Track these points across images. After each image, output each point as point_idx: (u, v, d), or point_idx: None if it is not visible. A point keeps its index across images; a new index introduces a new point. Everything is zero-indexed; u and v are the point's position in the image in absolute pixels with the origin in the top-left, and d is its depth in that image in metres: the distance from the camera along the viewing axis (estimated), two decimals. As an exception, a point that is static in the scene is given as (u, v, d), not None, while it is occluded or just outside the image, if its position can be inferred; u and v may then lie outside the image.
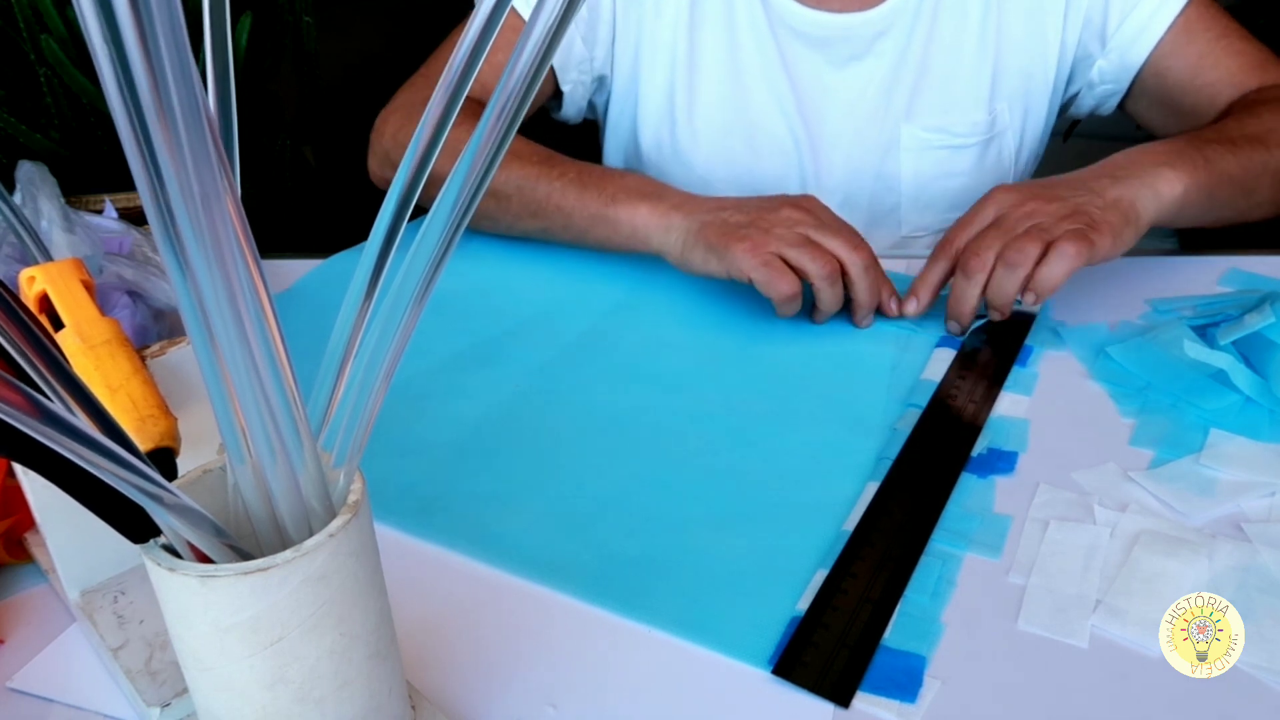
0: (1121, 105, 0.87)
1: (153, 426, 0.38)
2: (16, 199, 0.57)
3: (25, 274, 0.44)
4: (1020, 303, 0.63)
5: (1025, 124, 0.87)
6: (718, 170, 0.88)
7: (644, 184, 0.73)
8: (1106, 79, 0.85)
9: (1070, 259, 0.60)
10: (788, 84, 0.85)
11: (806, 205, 0.68)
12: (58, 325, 0.42)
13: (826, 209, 0.69)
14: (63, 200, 0.59)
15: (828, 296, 0.65)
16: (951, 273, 0.66)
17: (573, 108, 0.91)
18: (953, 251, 0.66)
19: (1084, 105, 0.88)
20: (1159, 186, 0.65)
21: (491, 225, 0.79)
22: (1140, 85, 0.83)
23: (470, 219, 0.72)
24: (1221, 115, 0.77)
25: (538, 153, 0.77)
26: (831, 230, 0.66)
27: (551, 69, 0.86)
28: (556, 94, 0.89)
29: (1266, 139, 0.71)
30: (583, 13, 0.84)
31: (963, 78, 0.85)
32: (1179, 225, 0.70)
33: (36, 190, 0.58)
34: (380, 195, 0.29)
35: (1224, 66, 0.79)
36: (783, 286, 0.64)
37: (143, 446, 0.38)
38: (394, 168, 0.79)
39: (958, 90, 0.85)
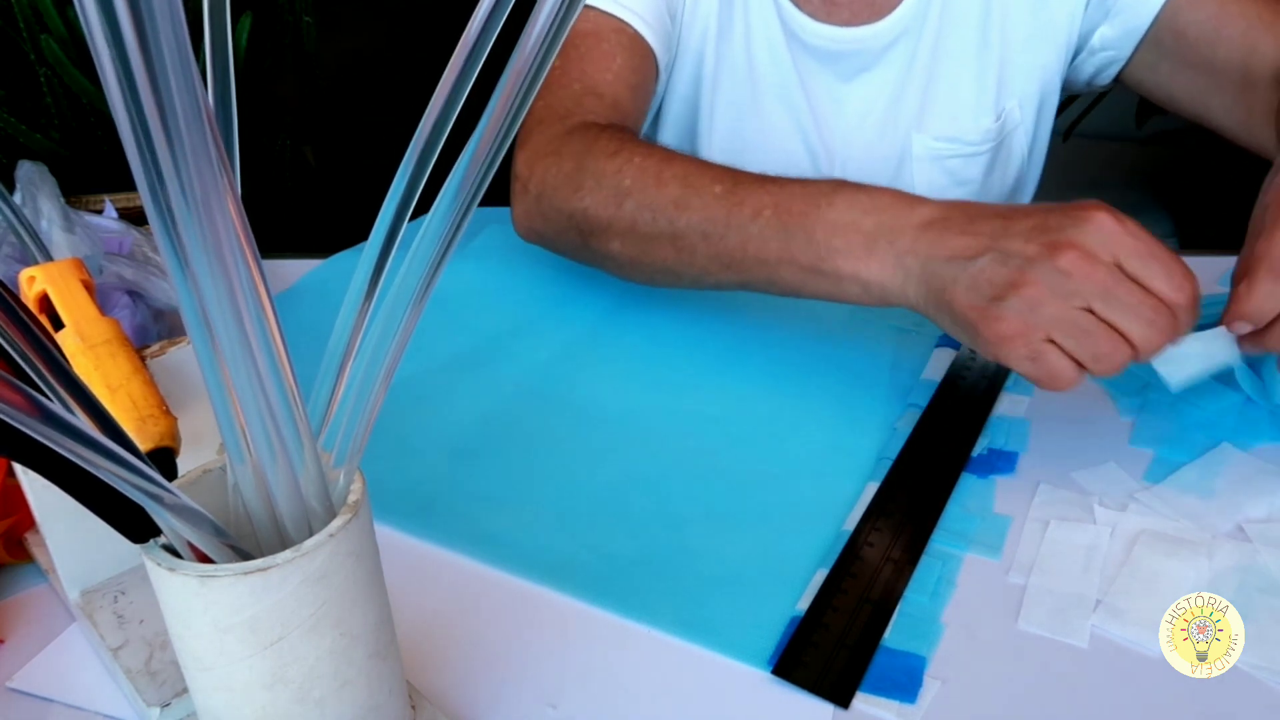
0: (1128, 78, 0.83)
1: (153, 426, 0.38)
2: (16, 199, 0.58)
3: (25, 274, 0.44)
4: None
5: (1039, 117, 0.86)
6: None
7: (859, 214, 0.54)
8: (1108, 45, 0.82)
9: None
10: (804, 100, 0.85)
11: (1094, 247, 0.47)
12: (58, 325, 0.42)
13: (1127, 237, 0.47)
14: (63, 200, 0.59)
15: (1108, 376, 0.49)
16: None
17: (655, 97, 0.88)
18: None
19: (1082, 74, 0.85)
20: None
21: (673, 279, 0.64)
22: (1158, 48, 0.79)
23: (636, 269, 0.65)
24: None
25: (719, 179, 0.60)
26: (1126, 295, 0.46)
27: (657, 69, 0.81)
28: None
29: None
30: (664, 9, 0.80)
31: (970, 84, 0.84)
32: None
33: (36, 190, 0.58)
34: (379, 195, 0.29)
35: (1252, 15, 0.74)
36: (1061, 385, 0.48)
37: (143, 446, 0.38)
38: (543, 217, 0.69)
39: (966, 97, 0.84)
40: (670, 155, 0.64)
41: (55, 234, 0.56)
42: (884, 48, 0.83)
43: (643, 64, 0.79)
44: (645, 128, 0.90)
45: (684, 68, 0.86)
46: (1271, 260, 0.48)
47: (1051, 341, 0.47)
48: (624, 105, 0.76)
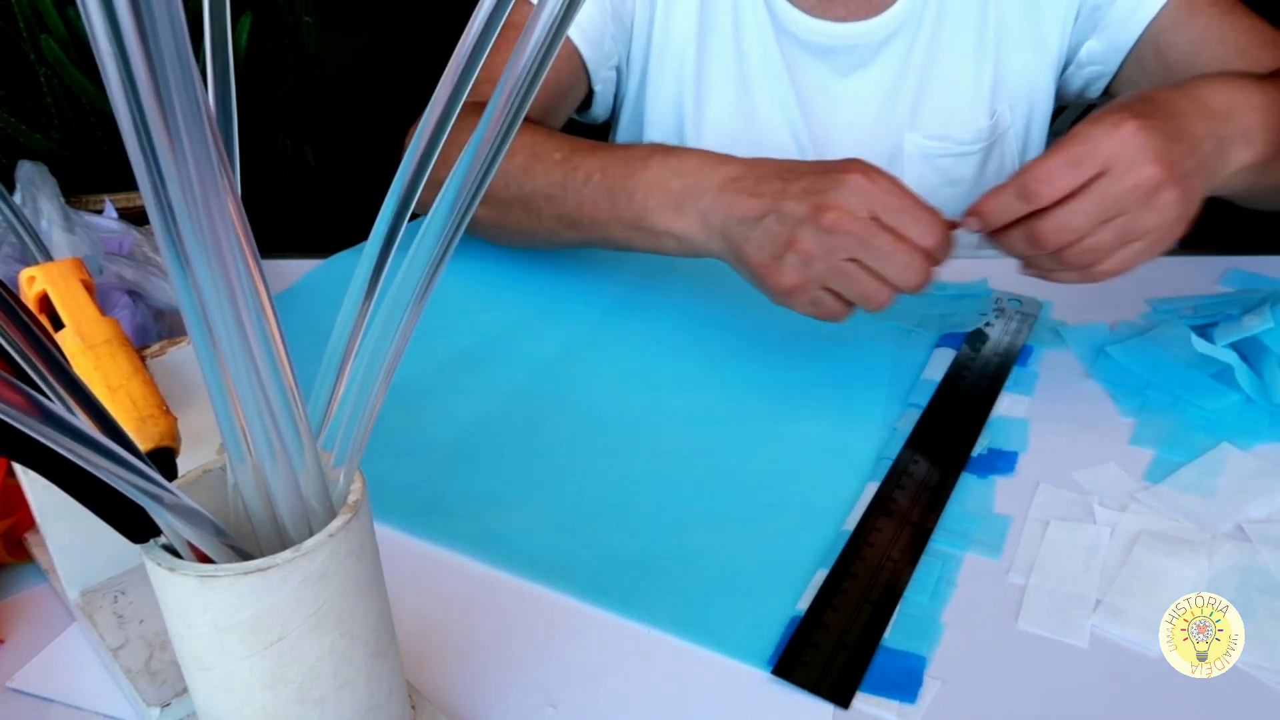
0: (1113, 91, 0.84)
1: (152, 426, 0.38)
2: (16, 199, 0.57)
3: (25, 274, 0.44)
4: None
5: (1030, 122, 0.87)
6: None
7: (669, 175, 0.63)
8: (1095, 59, 0.83)
9: (1135, 266, 0.54)
10: (793, 94, 0.85)
11: (851, 205, 0.54)
12: (58, 325, 0.42)
13: (880, 193, 0.54)
14: (63, 200, 0.59)
15: (879, 311, 0.56)
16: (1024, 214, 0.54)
17: (601, 106, 0.90)
18: (1032, 196, 0.53)
19: (1071, 87, 0.86)
20: (1238, 153, 0.56)
21: (529, 240, 0.73)
22: (1140, 66, 0.80)
23: (497, 231, 0.69)
24: None
25: (559, 147, 0.69)
26: (881, 245, 0.54)
27: (585, 68, 0.83)
28: (587, 93, 0.88)
29: None
30: (608, 8, 0.83)
31: (964, 83, 0.84)
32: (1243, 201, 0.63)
33: (36, 190, 0.58)
34: (379, 195, 0.29)
35: (1230, 41, 0.75)
36: (833, 320, 0.57)
37: (142, 446, 0.38)
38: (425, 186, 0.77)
39: (960, 96, 0.85)
40: (522, 128, 0.70)
41: (55, 234, 0.56)
42: (880, 43, 0.83)
43: (560, 64, 0.81)
44: (633, 136, 0.91)
45: (665, 70, 0.86)
46: (1023, 179, 0.53)
47: (827, 290, 0.56)
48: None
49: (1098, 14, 0.81)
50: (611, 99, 0.91)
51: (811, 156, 0.86)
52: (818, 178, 0.56)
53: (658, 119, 0.88)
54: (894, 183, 0.55)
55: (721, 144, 0.87)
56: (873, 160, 0.85)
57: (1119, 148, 0.51)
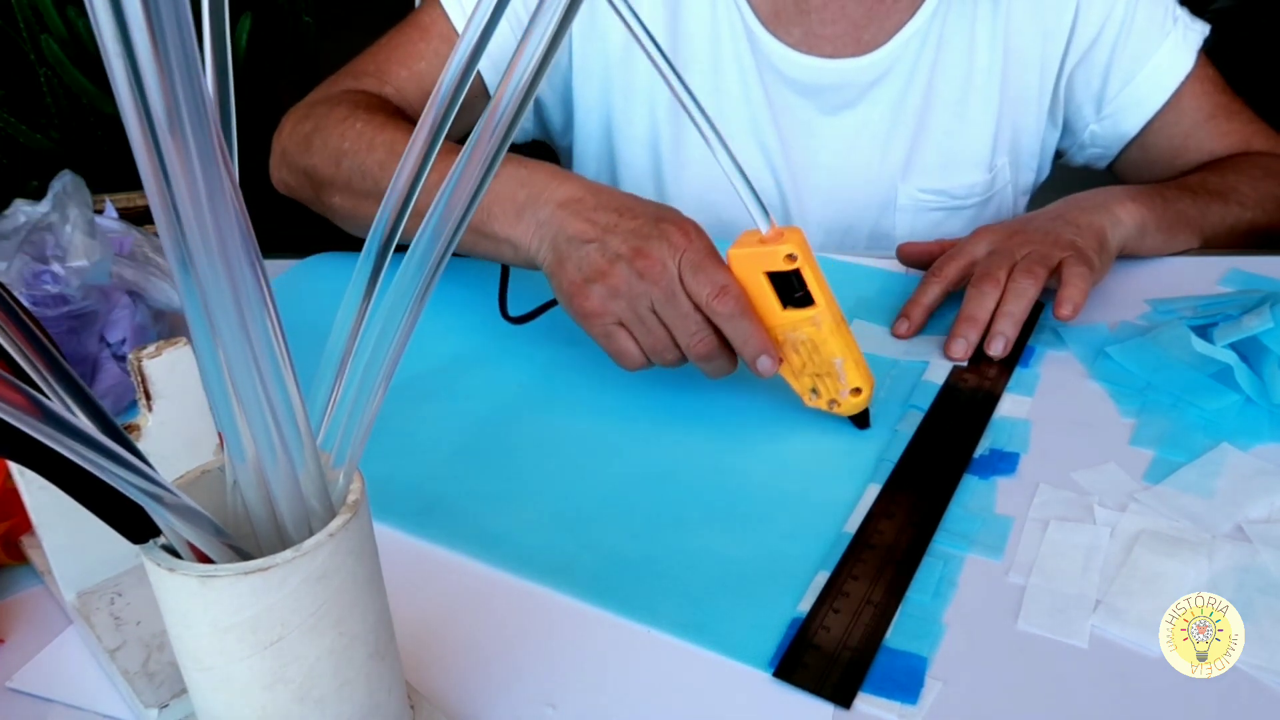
0: (1113, 169, 0.89)
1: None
2: (47, 204, 0.59)
3: (778, 240, 0.53)
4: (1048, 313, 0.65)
5: (1019, 175, 0.88)
6: (704, 223, 0.85)
7: (515, 186, 0.62)
8: (1098, 143, 0.87)
9: (1084, 277, 0.63)
10: (775, 132, 0.83)
11: (664, 257, 0.55)
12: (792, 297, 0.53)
13: (689, 252, 0.55)
14: (91, 210, 0.60)
15: (667, 366, 0.58)
16: (944, 297, 0.67)
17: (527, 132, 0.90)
18: (945, 277, 0.67)
19: (1073, 161, 0.91)
20: (1120, 214, 0.70)
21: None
22: (1126, 151, 0.86)
23: (349, 219, 0.72)
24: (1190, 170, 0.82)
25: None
26: (678, 307, 0.55)
27: (482, 83, 0.80)
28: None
29: (1226, 194, 0.76)
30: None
31: (967, 135, 0.83)
32: (1141, 254, 0.73)
33: (68, 199, 0.59)
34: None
35: (1205, 150, 0.83)
36: (626, 363, 0.58)
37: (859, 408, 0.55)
38: (287, 168, 0.76)
39: (957, 150, 0.84)
40: (385, 123, 0.71)
41: (77, 237, 0.57)
42: (869, 84, 0.81)
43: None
44: (605, 172, 0.89)
45: (634, 110, 0.84)
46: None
47: (623, 326, 0.57)
48: (408, 100, 0.80)
49: (1103, 100, 0.83)
50: (540, 130, 0.90)
51: (790, 197, 0.85)
52: (647, 222, 0.57)
53: (631, 159, 0.86)
54: (701, 241, 0.56)
55: (701, 184, 0.84)
56: (862, 207, 0.86)
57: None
